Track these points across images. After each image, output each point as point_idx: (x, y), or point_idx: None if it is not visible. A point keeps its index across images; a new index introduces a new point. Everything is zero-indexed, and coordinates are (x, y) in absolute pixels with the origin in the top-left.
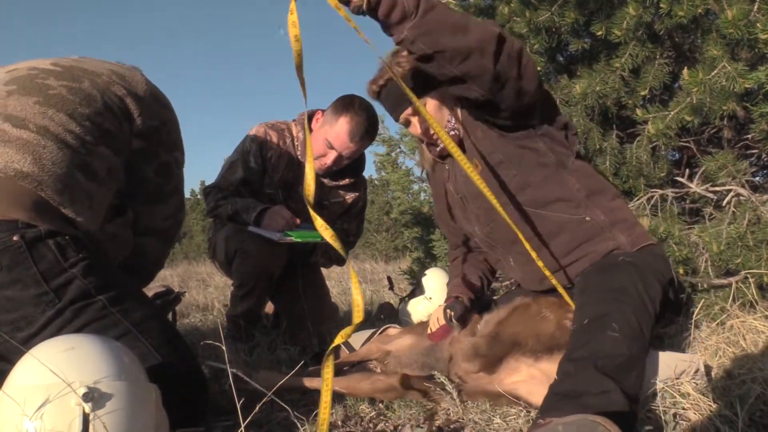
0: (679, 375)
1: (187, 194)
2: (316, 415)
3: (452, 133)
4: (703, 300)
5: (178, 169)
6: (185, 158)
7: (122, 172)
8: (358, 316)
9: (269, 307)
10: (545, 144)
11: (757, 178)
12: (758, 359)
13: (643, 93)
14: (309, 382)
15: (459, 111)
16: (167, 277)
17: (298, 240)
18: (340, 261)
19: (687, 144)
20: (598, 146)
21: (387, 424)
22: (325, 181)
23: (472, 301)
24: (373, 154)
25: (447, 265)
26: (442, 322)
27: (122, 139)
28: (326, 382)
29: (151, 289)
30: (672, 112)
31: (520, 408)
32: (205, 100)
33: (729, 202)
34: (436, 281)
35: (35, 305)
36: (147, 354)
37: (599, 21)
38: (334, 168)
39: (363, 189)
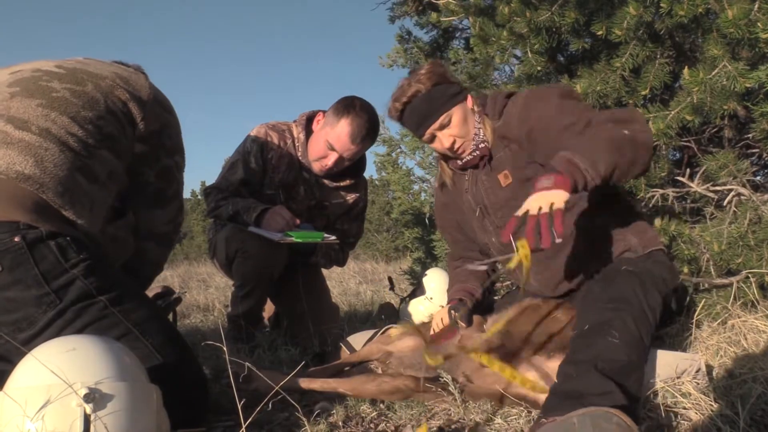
0: (680, 374)
1: (187, 195)
2: (317, 415)
3: (482, 145)
4: (704, 299)
5: (179, 172)
6: (185, 161)
7: (123, 175)
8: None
9: (269, 308)
10: None
11: (758, 178)
12: (759, 359)
13: (643, 92)
14: (310, 383)
15: (489, 123)
16: (168, 277)
17: (299, 240)
18: (341, 262)
19: (688, 143)
20: None
21: (388, 425)
22: (326, 182)
23: (474, 304)
24: (373, 154)
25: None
26: (446, 322)
27: (124, 143)
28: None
29: (151, 290)
30: (673, 112)
31: (522, 408)
32: (206, 100)
33: (730, 202)
34: (436, 281)
35: (36, 306)
36: (148, 354)
37: (600, 21)
38: (335, 169)
39: (364, 190)
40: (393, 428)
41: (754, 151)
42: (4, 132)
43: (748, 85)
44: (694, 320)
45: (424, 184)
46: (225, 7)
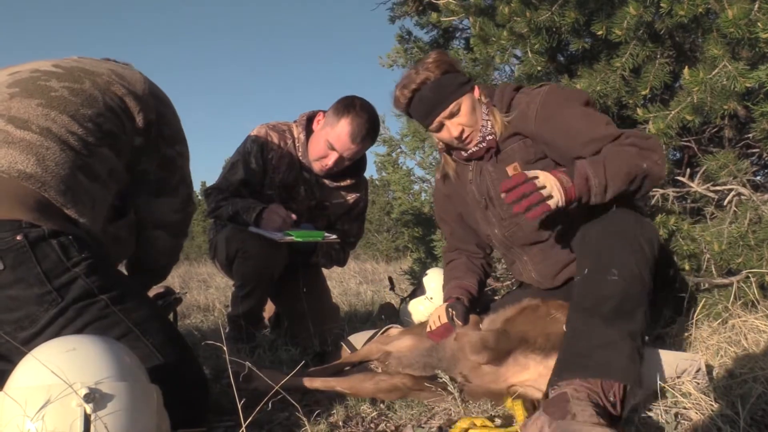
0: (681, 374)
1: None
2: (317, 415)
3: (489, 137)
4: (704, 299)
5: (182, 161)
6: (189, 151)
7: (124, 173)
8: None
9: (269, 308)
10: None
11: (758, 178)
12: (760, 359)
13: (643, 92)
14: (310, 383)
15: (498, 115)
16: (168, 277)
17: (299, 239)
18: (341, 262)
19: (688, 143)
20: None
21: (388, 425)
22: (327, 182)
23: (471, 303)
24: (374, 154)
25: None
26: (443, 320)
27: (124, 139)
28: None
29: (152, 290)
30: (673, 112)
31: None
32: (206, 100)
33: (730, 202)
34: (437, 281)
35: (38, 304)
36: (148, 354)
37: (600, 20)
38: (335, 169)
39: (364, 190)
40: (393, 428)
41: (754, 150)
42: (6, 132)
43: (748, 85)
44: (694, 320)
45: (424, 184)
46: (225, 7)
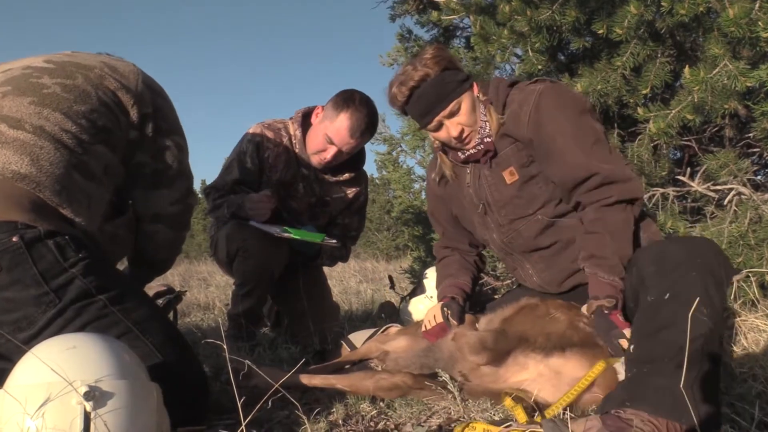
0: None
1: None
2: (317, 413)
3: (487, 140)
4: None
5: (180, 152)
6: (187, 142)
7: (119, 167)
8: None
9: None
10: None
11: (759, 177)
12: (760, 358)
13: (644, 92)
14: (309, 381)
15: (494, 116)
16: (168, 276)
17: (297, 237)
18: (344, 258)
19: (688, 143)
20: None
21: (388, 423)
22: (326, 177)
23: (465, 301)
24: (374, 153)
25: None
26: (439, 320)
27: (118, 134)
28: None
29: (152, 288)
30: (673, 111)
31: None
32: (206, 100)
33: (730, 201)
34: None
35: (36, 306)
36: (148, 353)
37: (600, 19)
38: (333, 163)
39: (364, 183)
40: (393, 426)
41: (754, 150)
42: None
43: (748, 84)
44: None
45: (424, 183)
46: (225, 7)
